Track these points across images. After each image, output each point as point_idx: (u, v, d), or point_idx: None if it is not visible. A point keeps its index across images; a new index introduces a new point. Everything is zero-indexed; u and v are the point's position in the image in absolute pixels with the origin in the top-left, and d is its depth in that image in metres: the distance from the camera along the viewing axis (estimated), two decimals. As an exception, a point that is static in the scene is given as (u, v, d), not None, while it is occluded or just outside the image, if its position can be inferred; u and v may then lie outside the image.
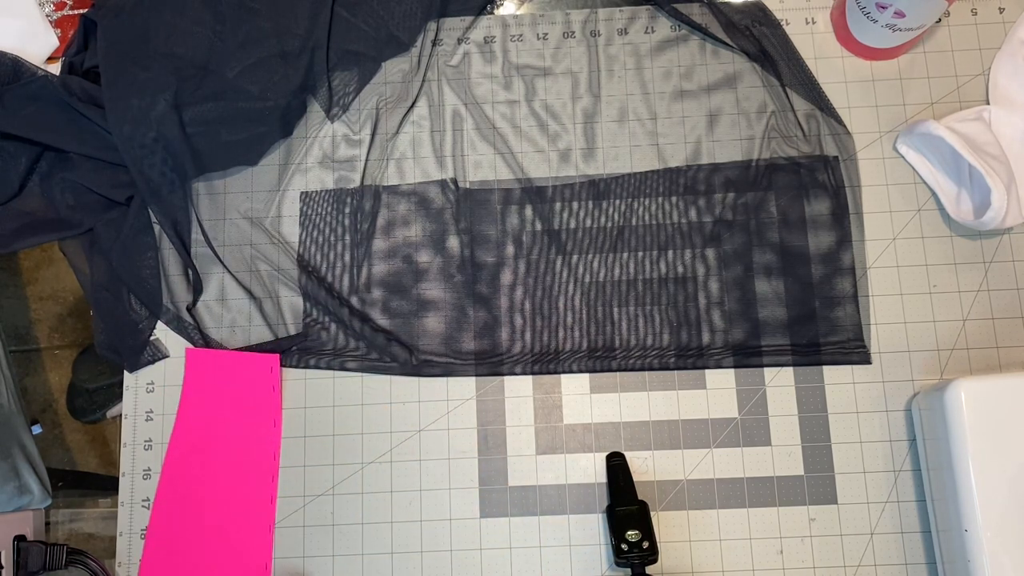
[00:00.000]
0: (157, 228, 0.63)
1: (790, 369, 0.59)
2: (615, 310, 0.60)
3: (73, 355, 0.66)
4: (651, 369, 0.60)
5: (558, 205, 0.62)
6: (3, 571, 0.56)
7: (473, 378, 0.60)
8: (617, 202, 0.62)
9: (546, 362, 0.60)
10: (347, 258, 0.62)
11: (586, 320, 0.60)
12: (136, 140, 0.60)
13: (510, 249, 0.62)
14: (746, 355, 0.59)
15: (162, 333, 0.62)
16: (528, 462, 0.59)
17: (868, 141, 0.62)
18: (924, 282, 0.60)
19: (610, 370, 0.60)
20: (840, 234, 0.61)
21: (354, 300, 0.61)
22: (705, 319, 0.60)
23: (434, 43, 0.65)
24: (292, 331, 0.61)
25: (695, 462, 0.58)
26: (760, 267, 0.61)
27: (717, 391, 0.59)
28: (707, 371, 0.59)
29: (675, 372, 0.60)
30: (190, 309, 0.62)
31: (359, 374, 0.61)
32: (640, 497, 0.56)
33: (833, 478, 0.58)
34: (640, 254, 0.61)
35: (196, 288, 0.62)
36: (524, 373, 0.60)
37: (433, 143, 0.64)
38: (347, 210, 0.63)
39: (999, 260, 0.60)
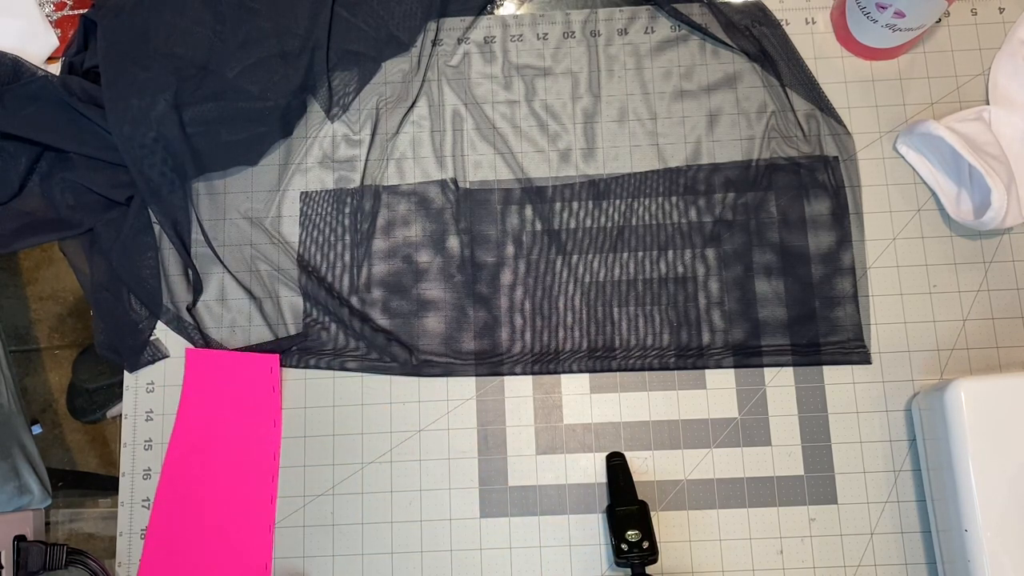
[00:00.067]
0: (157, 228, 0.63)
1: (790, 369, 0.59)
2: (615, 310, 0.60)
3: (73, 355, 0.66)
4: (651, 369, 0.60)
5: (558, 205, 0.62)
6: (3, 571, 0.56)
7: (473, 378, 0.60)
8: (617, 202, 0.62)
9: (546, 362, 0.60)
10: (347, 258, 0.62)
11: (586, 320, 0.60)
12: (136, 140, 0.60)
13: (510, 249, 0.62)
14: (746, 355, 0.59)
15: (162, 333, 0.62)
16: (528, 462, 0.59)
17: (868, 141, 0.62)
18: (924, 282, 0.60)
19: (610, 370, 0.60)
20: (840, 234, 0.61)
21: (354, 300, 0.61)
22: (705, 319, 0.60)
23: (434, 43, 0.65)
24: (292, 331, 0.61)
25: (695, 462, 0.58)
26: (760, 267, 0.61)
27: (717, 391, 0.59)
28: (707, 371, 0.59)
29: (675, 372, 0.60)
30: (190, 309, 0.62)
31: (359, 374, 0.61)
32: (640, 497, 0.56)
33: (833, 478, 0.58)
34: (640, 254, 0.61)
35: (196, 288, 0.62)
36: (524, 373, 0.60)
37: (433, 143, 0.64)
38: (347, 210, 0.63)
39: (999, 260, 0.60)
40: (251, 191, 0.64)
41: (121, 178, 0.62)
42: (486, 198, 0.63)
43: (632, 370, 0.60)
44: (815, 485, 0.58)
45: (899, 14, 0.58)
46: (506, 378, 0.60)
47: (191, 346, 0.61)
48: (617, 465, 0.57)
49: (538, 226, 0.62)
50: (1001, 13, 0.64)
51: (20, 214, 0.63)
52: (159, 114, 0.60)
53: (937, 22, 0.64)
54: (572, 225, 0.62)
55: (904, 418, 0.58)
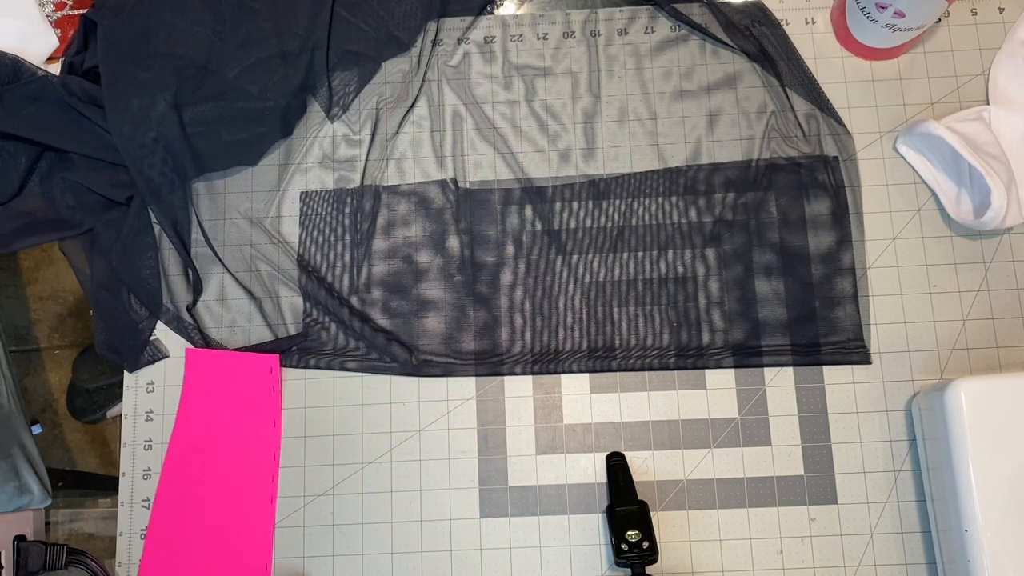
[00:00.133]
0: (157, 228, 0.63)
1: (790, 369, 0.59)
2: (615, 310, 0.60)
3: (73, 355, 0.66)
4: (651, 369, 0.60)
5: (558, 205, 0.62)
6: (3, 571, 0.56)
7: (473, 378, 0.60)
8: (617, 202, 0.62)
9: (546, 362, 0.60)
10: (347, 258, 0.62)
11: (586, 320, 0.60)
12: (136, 140, 0.60)
13: (510, 249, 0.62)
14: (746, 355, 0.59)
15: (162, 333, 0.62)
16: (528, 462, 0.59)
17: (868, 141, 0.62)
18: (924, 282, 0.60)
19: (610, 370, 0.60)
20: (840, 234, 0.61)
21: (354, 300, 0.61)
22: (705, 319, 0.60)
23: (434, 43, 0.65)
24: (292, 331, 0.61)
25: (695, 462, 0.58)
26: (760, 267, 0.61)
27: (717, 391, 0.59)
28: (707, 371, 0.59)
29: (675, 372, 0.60)
30: (190, 309, 0.62)
31: (359, 374, 0.61)
32: (640, 497, 0.56)
33: (833, 478, 0.58)
34: (640, 254, 0.61)
35: (196, 288, 0.62)
36: (524, 373, 0.60)
37: (433, 143, 0.64)
38: (347, 210, 0.63)
39: (999, 260, 0.60)
40: (251, 191, 0.64)
41: (121, 178, 0.62)
42: (486, 198, 0.63)
43: (632, 370, 0.60)
44: (815, 485, 0.58)
45: (899, 14, 0.58)
46: (506, 378, 0.60)
47: (191, 346, 0.61)
48: (617, 465, 0.57)
49: (538, 226, 0.62)
50: (1001, 13, 0.64)
51: (20, 214, 0.63)
52: (159, 114, 0.60)
53: (937, 22, 0.64)
54: (572, 225, 0.62)
55: (904, 418, 0.58)
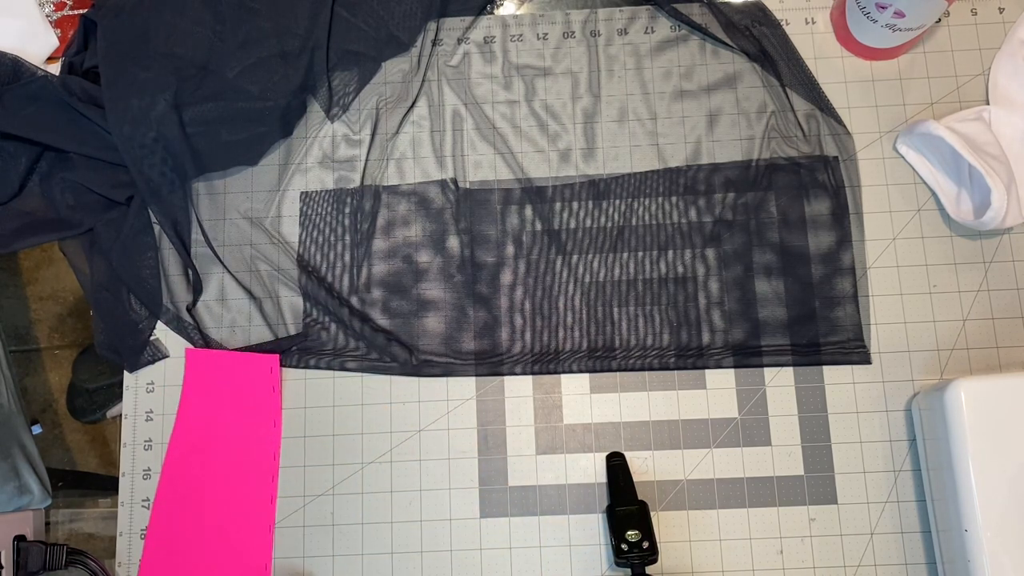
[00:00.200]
0: (157, 228, 0.63)
1: (790, 369, 0.59)
2: (615, 310, 0.60)
3: (73, 355, 0.66)
4: (651, 369, 0.60)
5: (558, 205, 0.62)
6: (3, 571, 0.56)
7: (473, 378, 0.60)
8: (617, 202, 0.62)
9: (546, 362, 0.60)
10: (347, 258, 0.62)
11: (586, 320, 0.60)
12: (136, 140, 0.60)
13: (510, 249, 0.62)
14: (746, 355, 0.59)
15: (162, 333, 0.62)
16: (528, 462, 0.59)
17: (868, 141, 0.62)
18: (924, 282, 0.60)
19: (610, 370, 0.60)
20: (840, 234, 0.61)
21: (354, 300, 0.61)
22: (705, 319, 0.60)
23: (434, 43, 0.65)
24: (292, 331, 0.61)
25: (695, 462, 0.58)
26: (760, 267, 0.61)
27: (717, 391, 0.59)
28: (707, 371, 0.59)
29: (675, 372, 0.60)
30: (190, 309, 0.62)
31: (359, 374, 0.61)
32: (640, 497, 0.56)
33: (833, 478, 0.58)
34: (640, 254, 0.61)
35: (196, 288, 0.62)
36: (524, 373, 0.60)
37: (433, 143, 0.64)
38: (347, 210, 0.63)
39: (999, 260, 0.60)
40: (251, 191, 0.64)
41: (121, 178, 0.62)
42: (486, 198, 0.63)
43: (632, 370, 0.60)
44: (815, 485, 0.58)
45: (899, 14, 0.58)
46: (506, 378, 0.60)
47: (191, 346, 0.61)
48: (617, 465, 0.57)
49: (538, 226, 0.62)
50: (1001, 13, 0.64)
51: (20, 214, 0.63)
52: (159, 114, 0.60)
53: (937, 22, 0.64)
54: (572, 225, 0.62)
55: (904, 418, 0.58)
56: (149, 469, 0.60)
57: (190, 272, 0.62)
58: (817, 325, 0.59)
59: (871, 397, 0.59)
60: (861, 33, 0.62)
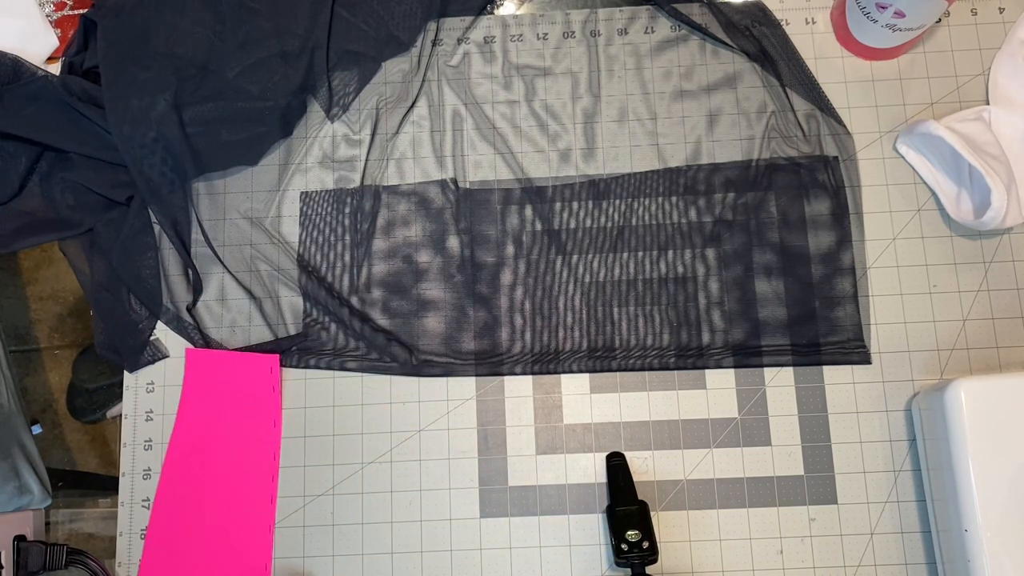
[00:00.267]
0: (157, 228, 0.63)
1: (790, 369, 0.59)
2: (615, 310, 0.60)
3: (73, 355, 0.66)
4: (651, 369, 0.60)
5: (558, 205, 0.62)
6: (3, 571, 0.56)
7: (473, 378, 0.60)
8: (617, 202, 0.62)
9: (546, 362, 0.60)
10: (347, 258, 0.62)
11: (586, 320, 0.60)
12: (136, 140, 0.60)
13: (510, 249, 0.62)
14: (746, 355, 0.59)
15: (162, 333, 0.62)
16: (528, 462, 0.59)
17: (868, 141, 0.62)
18: (924, 282, 0.60)
19: (610, 370, 0.60)
20: (840, 234, 0.61)
21: (354, 300, 0.61)
22: (705, 319, 0.60)
23: (434, 43, 0.65)
24: (292, 331, 0.61)
25: (695, 462, 0.58)
26: (760, 267, 0.61)
27: (717, 391, 0.59)
28: (707, 371, 0.59)
29: (675, 372, 0.60)
30: (190, 309, 0.62)
31: (359, 374, 0.61)
32: (640, 497, 0.56)
33: (833, 478, 0.58)
34: (640, 254, 0.61)
35: (196, 288, 0.62)
36: (524, 373, 0.60)
37: (433, 143, 0.64)
38: (347, 210, 0.63)
39: (999, 260, 0.60)
40: (251, 191, 0.64)
41: (121, 178, 0.62)
42: (486, 198, 0.63)
43: (632, 370, 0.60)
44: (815, 485, 0.58)
45: (899, 14, 0.58)
46: (506, 378, 0.60)
47: (191, 346, 0.61)
48: (617, 465, 0.57)
49: (538, 226, 0.62)
50: (1001, 13, 0.64)
51: (20, 214, 0.63)
52: (159, 114, 0.60)
53: (937, 22, 0.64)
54: (572, 225, 0.62)
55: (904, 418, 0.58)
56: (149, 469, 0.60)
57: (190, 272, 0.62)
58: (817, 325, 0.59)
59: (871, 397, 0.59)
60: (861, 33, 0.62)
